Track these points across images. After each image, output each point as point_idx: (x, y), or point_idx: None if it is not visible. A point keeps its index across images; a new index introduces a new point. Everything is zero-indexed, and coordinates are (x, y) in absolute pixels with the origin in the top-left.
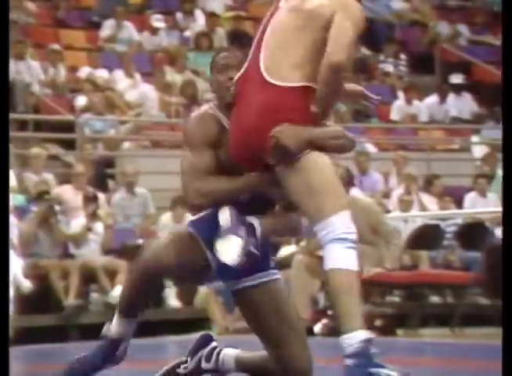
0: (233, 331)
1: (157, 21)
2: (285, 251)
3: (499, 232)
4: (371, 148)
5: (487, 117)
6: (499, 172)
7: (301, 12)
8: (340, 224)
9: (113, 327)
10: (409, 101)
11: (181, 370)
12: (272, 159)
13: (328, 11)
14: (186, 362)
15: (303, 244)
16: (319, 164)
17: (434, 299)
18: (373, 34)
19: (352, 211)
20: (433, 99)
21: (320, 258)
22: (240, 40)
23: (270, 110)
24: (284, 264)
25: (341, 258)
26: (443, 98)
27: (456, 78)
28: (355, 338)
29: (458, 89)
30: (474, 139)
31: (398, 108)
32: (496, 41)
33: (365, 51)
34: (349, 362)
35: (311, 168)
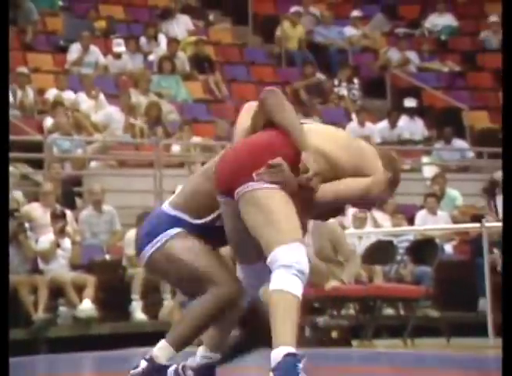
0: (196, 343)
1: (118, 46)
2: None
3: (448, 248)
4: None
5: (436, 139)
6: (448, 191)
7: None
8: (285, 254)
9: (165, 355)
10: (362, 123)
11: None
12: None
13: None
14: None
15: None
16: (269, 197)
17: (388, 311)
18: (328, 60)
19: (317, 233)
20: (384, 124)
21: None
22: (202, 63)
23: (266, 145)
24: None
25: (283, 281)
26: (394, 123)
27: (410, 102)
28: (280, 353)
29: (411, 113)
30: (425, 159)
31: (352, 130)
32: (444, 67)
33: (320, 76)
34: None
35: (260, 202)
